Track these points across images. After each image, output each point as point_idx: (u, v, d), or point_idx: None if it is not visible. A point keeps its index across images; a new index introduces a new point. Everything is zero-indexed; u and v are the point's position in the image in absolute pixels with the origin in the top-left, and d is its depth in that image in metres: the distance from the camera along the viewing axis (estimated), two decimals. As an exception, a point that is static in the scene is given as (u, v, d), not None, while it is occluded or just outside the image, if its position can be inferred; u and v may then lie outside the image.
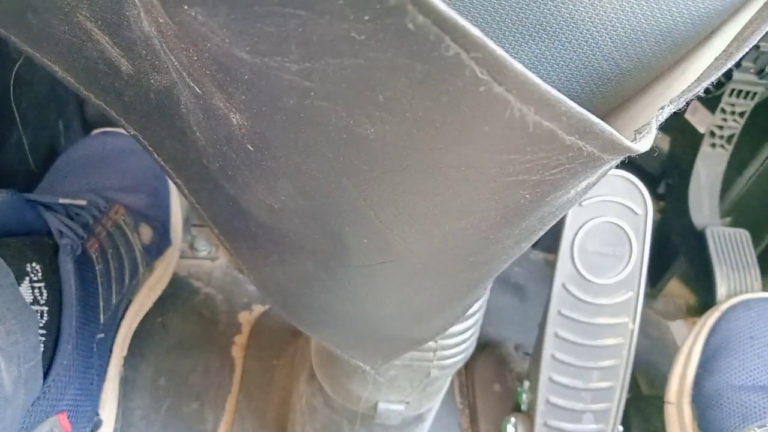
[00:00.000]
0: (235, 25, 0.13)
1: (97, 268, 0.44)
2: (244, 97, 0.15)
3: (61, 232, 0.42)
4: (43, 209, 0.42)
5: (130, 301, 0.50)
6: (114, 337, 0.47)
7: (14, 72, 0.48)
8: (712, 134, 0.56)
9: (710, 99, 0.55)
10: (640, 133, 0.17)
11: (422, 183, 0.15)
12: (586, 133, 0.13)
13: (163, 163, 0.27)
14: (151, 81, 0.23)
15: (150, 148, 0.27)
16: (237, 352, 0.55)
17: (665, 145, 0.65)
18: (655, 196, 0.68)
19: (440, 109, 0.13)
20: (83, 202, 0.46)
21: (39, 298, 0.38)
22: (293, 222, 0.21)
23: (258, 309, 0.58)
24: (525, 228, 0.19)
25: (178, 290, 0.55)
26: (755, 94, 0.54)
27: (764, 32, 0.17)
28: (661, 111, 0.17)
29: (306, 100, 0.14)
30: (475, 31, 0.11)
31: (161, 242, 0.54)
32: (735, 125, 0.56)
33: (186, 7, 0.14)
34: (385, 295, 0.24)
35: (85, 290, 0.42)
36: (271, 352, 0.54)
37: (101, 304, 0.44)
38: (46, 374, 0.37)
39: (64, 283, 0.40)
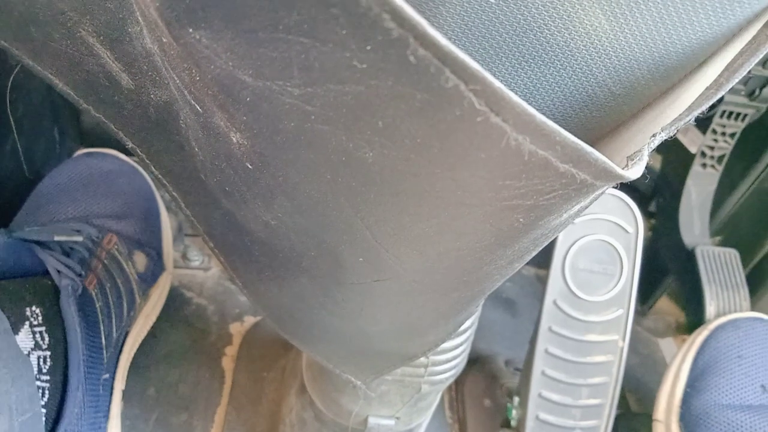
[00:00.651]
0: (239, 49, 0.14)
1: (97, 305, 0.42)
2: (245, 117, 0.16)
3: (59, 271, 0.40)
4: (37, 247, 0.40)
5: (127, 333, 0.48)
6: (115, 373, 0.46)
7: (11, 79, 0.48)
8: (703, 154, 0.57)
9: (701, 120, 0.56)
10: (632, 159, 0.17)
11: (419, 206, 0.16)
12: (579, 161, 0.14)
13: (160, 176, 0.27)
14: (151, 96, 0.23)
15: (147, 161, 0.27)
16: (227, 364, 0.54)
17: (657, 163, 0.65)
18: (646, 214, 0.69)
19: (438, 136, 0.13)
20: (79, 238, 0.44)
21: (41, 342, 0.36)
22: (289, 238, 0.21)
23: (249, 320, 0.58)
24: (518, 249, 0.20)
25: (169, 300, 0.55)
26: (745, 115, 0.55)
27: (753, 64, 0.17)
28: (652, 138, 0.17)
29: (306, 123, 0.14)
30: (474, 65, 0.11)
31: (156, 269, 0.52)
32: (726, 146, 0.57)
33: (191, 30, 0.14)
34: (378, 312, 0.24)
35: (89, 331, 0.40)
36: (262, 364, 0.54)
37: (104, 342, 0.42)
38: (56, 424, 0.36)
39: (68, 328, 0.38)
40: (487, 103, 0.12)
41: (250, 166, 0.18)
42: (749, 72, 0.53)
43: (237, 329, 0.57)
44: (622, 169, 0.18)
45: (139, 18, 0.19)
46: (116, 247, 0.47)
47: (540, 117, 0.12)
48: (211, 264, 0.62)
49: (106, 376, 0.43)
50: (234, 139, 0.17)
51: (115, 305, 0.44)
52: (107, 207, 0.50)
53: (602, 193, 0.19)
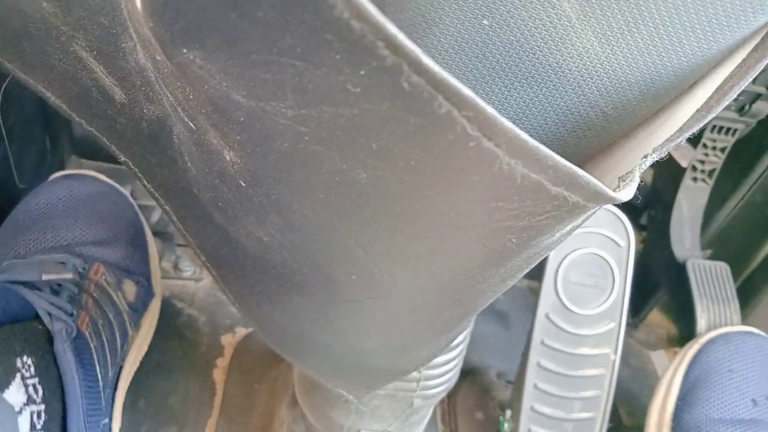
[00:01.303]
0: (233, 70, 0.14)
1: (92, 345, 0.39)
2: (238, 137, 0.16)
3: (50, 314, 0.37)
4: (24, 289, 0.38)
5: (120, 367, 0.46)
6: (112, 413, 0.43)
7: (2, 88, 0.48)
8: (694, 168, 0.57)
9: (693, 134, 0.57)
10: (624, 180, 0.17)
11: (412, 226, 0.16)
12: (571, 184, 0.14)
13: (152, 189, 0.27)
14: (144, 111, 0.23)
15: (140, 175, 0.27)
16: (218, 375, 0.54)
17: (648, 177, 0.66)
18: (638, 227, 0.69)
19: (431, 160, 0.13)
20: (69, 275, 0.41)
21: (34, 396, 0.33)
22: (282, 255, 0.21)
23: (241, 331, 0.58)
24: (511, 268, 0.20)
25: (160, 311, 0.55)
26: (736, 130, 0.56)
27: (743, 87, 0.18)
28: (644, 160, 0.18)
29: (300, 143, 0.14)
30: (467, 91, 0.11)
31: (146, 297, 0.49)
32: (716, 160, 0.57)
33: (185, 50, 0.14)
34: (370, 329, 0.24)
35: (85, 377, 0.38)
36: (254, 375, 0.54)
37: (101, 385, 0.40)
38: None
39: (66, 377, 0.36)
40: (479, 129, 0.12)
41: (243, 184, 0.18)
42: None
43: (228, 340, 0.57)
44: (614, 189, 0.18)
45: (133, 34, 0.19)
46: (104, 277, 0.44)
47: (532, 142, 0.12)
48: (203, 275, 0.62)
49: (106, 420, 0.41)
50: (227, 157, 0.17)
51: (109, 342, 0.42)
52: (91, 233, 0.47)
53: (594, 213, 0.19)
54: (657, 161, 0.19)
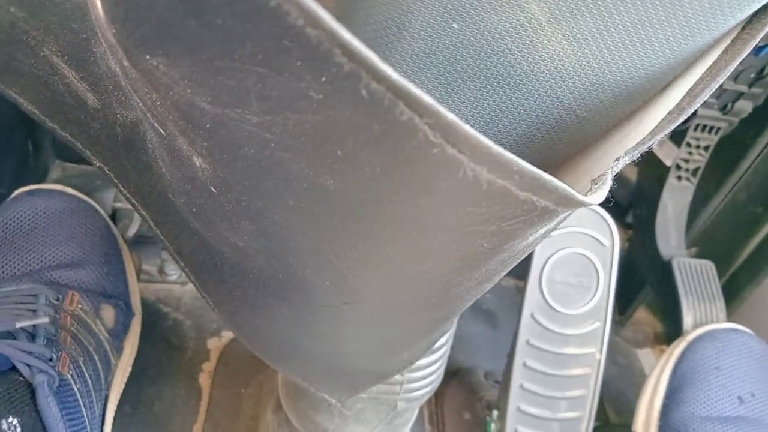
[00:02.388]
0: (197, 77, 0.14)
1: (75, 388, 0.37)
2: (205, 143, 0.16)
3: (29, 365, 0.35)
4: None
5: (106, 397, 0.43)
6: None
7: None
8: (678, 167, 0.58)
9: (676, 133, 0.57)
10: (596, 183, 0.17)
11: (383, 231, 0.16)
12: (539, 189, 0.14)
13: (128, 195, 0.27)
14: (118, 115, 0.23)
15: (116, 180, 0.26)
16: (204, 380, 0.54)
17: (633, 176, 0.66)
18: (624, 226, 0.69)
19: (397, 166, 0.13)
20: (45, 319, 0.38)
21: None
22: (257, 260, 0.21)
23: (227, 335, 0.58)
24: (486, 271, 0.20)
25: (145, 315, 0.54)
26: (719, 129, 0.56)
27: (713, 89, 0.18)
28: (616, 163, 0.18)
29: (266, 150, 0.14)
30: (427, 99, 0.11)
31: (126, 318, 0.46)
32: (700, 159, 0.57)
33: (148, 57, 0.14)
34: (349, 333, 0.24)
35: (72, 425, 0.36)
36: (240, 380, 0.54)
37: (88, 427, 0.38)
38: None
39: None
40: (442, 135, 0.12)
41: (214, 190, 0.18)
42: (722, 87, 0.54)
43: (214, 344, 0.57)
44: (587, 192, 0.18)
45: (101, 39, 0.19)
46: (80, 306, 0.41)
47: (496, 148, 0.12)
48: (189, 278, 0.61)
49: None
50: (197, 163, 0.17)
51: (93, 379, 0.39)
52: (61, 255, 0.43)
53: (568, 216, 0.19)
54: (641, 160, 0.19)
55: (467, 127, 0.11)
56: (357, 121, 0.12)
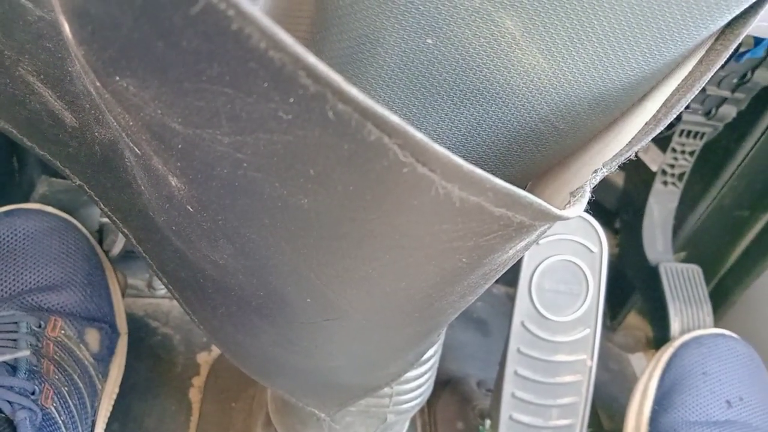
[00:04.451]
0: (166, 98, 0.13)
1: (60, 421, 0.36)
2: (179, 164, 0.15)
3: (10, 402, 0.33)
4: None
5: (93, 422, 0.42)
6: None
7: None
8: (664, 172, 0.58)
9: (661, 138, 0.57)
10: (575, 196, 0.17)
11: (359, 249, 0.16)
12: (513, 205, 0.14)
13: (109, 213, 0.26)
14: (96, 134, 0.23)
15: (96, 198, 0.26)
16: (194, 395, 0.53)
17: (620, 180, 0.66)
18: (613, 231, 0.70)
19: (369, 184, 0.13)
20: (27, 352, 0.36)
21: None
22: (238, 278, 0.21)
23: (217, 350, 0.57)
24: (467, 285, 0.19)
25: (134, 331, 0.54)
26: (703, 134, 0.56)
27: (689, 100, 0.18)
28: (594, 175, 0.17)
29: (239, 170, 0.14)
30: (395, 119, 0.11)
31: (111, 341, 0.45)
32: (685, 164, 0.58)
33: (117, 78, 0.14)
34: (333, 348, 0.24)
35: None
36: (230, 394, 0.53)
37: None
38: None
39: None
40: (412, 154, 0.12)
41: (191, 209, 0.18)
42: (705, 92, 0.54)
43: (204, 359, 0.56)
44: (566, 205, 0.18)
45: (75, 59, 0.19)
46: (63, 331, 0.39)
47: (467, 166, 0.12)
48: (177, 292, 0.61)
49: None
50: (172, 182, 0.17)
51: (78, 408, 0.38)
52: (42, 278, 0.41)
53: (548, 228, 0.19)
54: (628, 166, 0.19)
55: (437, 146, 0.11)
56: (327, 141, 0.12)
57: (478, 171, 0.12)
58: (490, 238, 0.15)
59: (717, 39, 0.18)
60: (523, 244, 0.18)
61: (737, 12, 0.17)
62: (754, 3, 0.16)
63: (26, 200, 0.59)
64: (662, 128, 0.18)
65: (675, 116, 0.18)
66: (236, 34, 0.10)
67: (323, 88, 0.10)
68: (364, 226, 0.14)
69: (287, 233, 0.16)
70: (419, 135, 0.11)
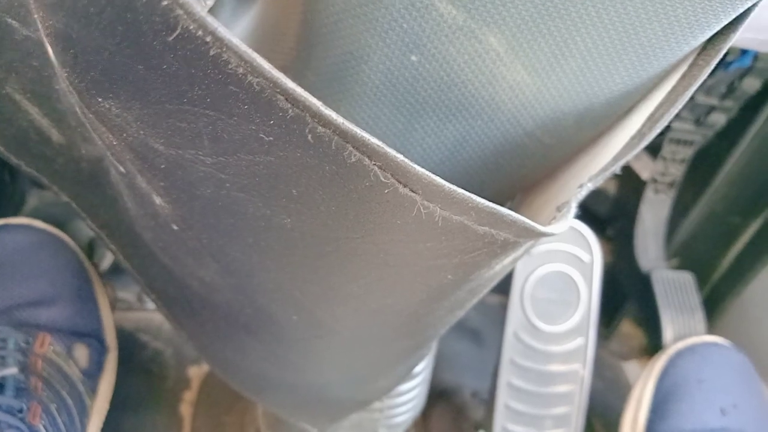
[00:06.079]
0: (149, 119, 0.13)
1: None
2: (162, 183, 0.15)
3: None
4: None
5: None
6: None
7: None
8: (655, 180, 0.58)
9: (652, 147, 0.58)
10: (560, 210, 0.17)
11: (344, 267, 0.16)
12: (497, 223, 0.14)
13: (97, 229, 0.26)
14: (83, 151, 0.23)
15: (84, 214, 0.26)
16: (186, 409, 0.53)
17: (612, 188, 0.66)
18: (605, 239, 0.70)
19: (352, 204, 0.13)
20: (14, 370, 0.36)
21: None
22: (225, 295, 0.21)
23: (209, 362, 0.57)
24: (455, 300, 0.19)
25: (124, 345, 0.53)
26: (693, 142, 0.56)
27: (673, 114, 0.18)
28: (579, 189, 0.18)
29: (222, 190, 0.14)
30: (375, 141, 0.11)
31: (100, 356, 0.44)
32: (676, 172, 0.58)
33: (100, 99, 0.14)
34: (322, 364, 0.24)
35: None
36: (221, 408, 0.53)
37: None
38: None
39: None
40: (393, 176, 0.12)
41: (175, 228, 0.18)
42: (694, 100, 0.54)
43: (196, 373, 0.56)
44: (551, 220, 0.18)
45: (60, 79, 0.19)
46: (52, 347, 0.39)
47: (448, 186, 0.12)
48: (170, 305, 0.61)
49: None
50: (157, 201, 0.17)
51: (67, 425, 0.37)
52: (30, 293, 0.41)
53: (533, 245, 0.19)
54: (619, 174, 0.19)
55: (417, 167, 0.11)
56: (308, 162, 0.12)
57: (460, 191, 0.12)
58: (475, 255, 0.15)
59: (699, 54, 0.18)
60: (509, 259, 0.18)
61: (717, 28, 0.17)
62: (734, 20, 0.16)
63: (17, 213, 0.59)
64: (647, 143, 0.18)
65: (659, 131, 0.18)
66: (214, 59, 0.10)
67: (302, 111, 0.10)
68: (348, 244, 0.14)
69: (271, 252, 0.16)
70: (399, 156, 0.11)
